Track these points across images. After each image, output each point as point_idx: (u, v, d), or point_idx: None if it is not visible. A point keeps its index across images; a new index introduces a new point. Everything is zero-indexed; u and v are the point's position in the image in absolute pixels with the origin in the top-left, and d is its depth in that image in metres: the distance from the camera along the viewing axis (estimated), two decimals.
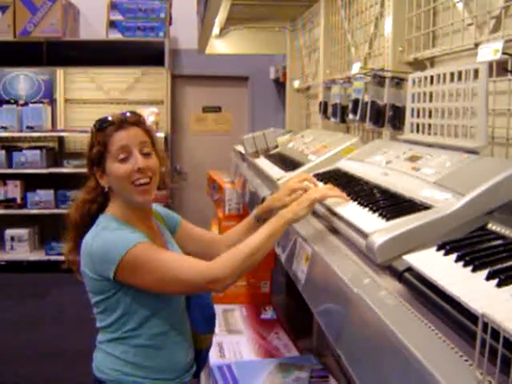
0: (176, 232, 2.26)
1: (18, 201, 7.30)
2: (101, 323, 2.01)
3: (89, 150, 1.98)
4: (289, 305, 4.57)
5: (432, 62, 2.31)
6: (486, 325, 0.82)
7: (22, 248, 7.36)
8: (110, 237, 1.88)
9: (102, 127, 1.97)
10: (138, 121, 2.02)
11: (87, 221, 2.00)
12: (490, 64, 1.67)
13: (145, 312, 1.95)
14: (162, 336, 2.00)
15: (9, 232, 7.34)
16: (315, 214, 1.93)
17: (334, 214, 1.72)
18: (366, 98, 2.53)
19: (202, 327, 2.22)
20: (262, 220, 2.11)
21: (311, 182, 2.05)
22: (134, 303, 1.93)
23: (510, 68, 1.68)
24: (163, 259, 1.85)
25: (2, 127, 7.18)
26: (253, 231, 1.97)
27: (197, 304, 2.20)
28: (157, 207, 2.24)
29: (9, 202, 7.28)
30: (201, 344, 2.23)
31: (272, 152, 3.41)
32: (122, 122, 1.97)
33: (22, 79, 7.60)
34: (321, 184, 2.04)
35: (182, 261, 1.90)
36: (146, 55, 7.12)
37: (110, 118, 1.98)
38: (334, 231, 1.75)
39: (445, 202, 1.40)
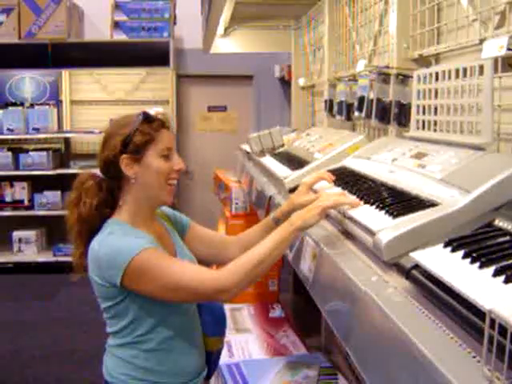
0: (185, 234, 2.23)
1: (26, 202, 7.33)
2: (111, 328, 2.00)
3: (125, 135, 1.93)
4: (297, 303, 4.57)
5: (437, 58, 2.31)
6: (493, 321, 0.82)
7: (29, 250, 7.39)
8: (116, 243, 1.86)
9: (150, 120, 1.96)
10: (172, 126, 2.06)
11: (98, 224, 1.97)
12: (495, 60, 1.67)
13: (155, 318, 1.94)
14: (172, 340, 1.98)
15: (16, 234, 7.37)
16: None
17: (341, 212, 1.72)
18: (372, 96, 2.53)
19: (212, 330, 2.19)
20: (280, 223, 2.01)
21: (328, 179, 2.02)
22: (144, 309, 1.92)
23: None
24: (168, 267, 1.83)
25: (9, 129, 7.21)
26: (269, 234, 1.90)
27: (208, 306, 2.17)
28: (165, 209, 2.22)
29: (16, 204, 7.31)
30: (212, 346, 2.20)
31: (278, 151, 3.41)
32: (166, 122, 2.01)
33: (28, 81, 7.62)
34: (335, 188, 2.01)
35: (188, 270, 1.86)
36: (150, 55, 7.13)
37: (156, 114, 1.99)
38: (341, 229, 1.75)
39: (451, 199, 1.40)
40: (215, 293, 1.81)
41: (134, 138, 1.93)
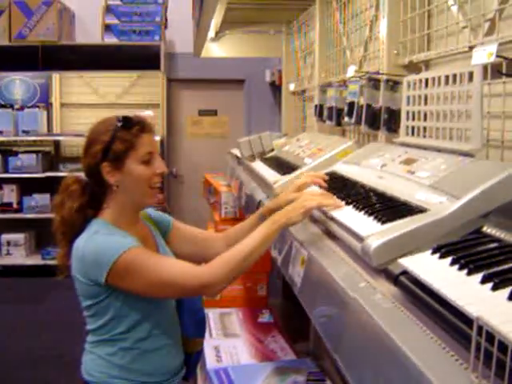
0: (169, 233, 2.25)
1: (14, 205, 7.29)
2: (90, 326, 2.02)
3: (104, 143, 1.93)
4: (286, 308, 4.56)
5: (427, 64, 2.32)
6: (480, 328, 0.82)
7: (18, 253, 7.35)
8: (101, 241, 1.88)
9: (128, 126, 1.95)
10: (153, 127, 2.05)
11: (81, 226, 1.99)
12: (485, 67, 1.68)
13: (135, 316, 1.96)
14: (150, 339, 2.00)
15: (5, 237, 7.33)
16: (311, 217, 1.93)
17: (330, 217, 1.72)
18: (362, 101, 2.53)
19: (192, 331, 2.21)
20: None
21: (322, 184, 2.02)
22: (124, 307, 1.94)
23: (504, 71, 1.69)
24: (155, 263, 1.85)
25: None
26: None
27: (187, 308, 2.19)
28: (148, 210, 2.24)
29: (5, 207, 7.27)
30: (191, 348, 2.22)
31: (268, 155, 3.41)
32: (145, 125, 1.99)
33: (18, 83, 7.59)
34: (316, 188, 2.02)
35: (173, 265, 1.89)
36: (141, 59, 7.11)
37: (135, 119, 1.98)
38: (330, 235, 1.75)
39: (440, 205, 1.40)
40: (199, 288, 1.85)
41: (113, 145, 1.93)
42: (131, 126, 1.95)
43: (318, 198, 1.81)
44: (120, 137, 1.94)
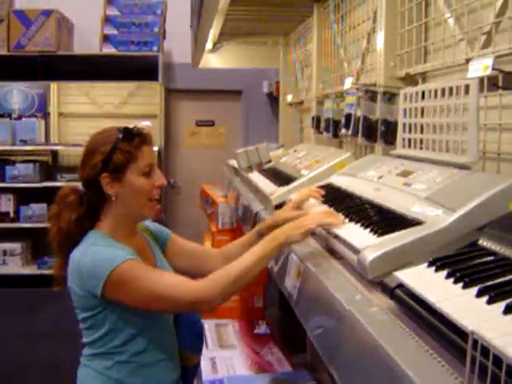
0: (166, 246, 2.23)
1: (11, 215, 7.26)
2: (86, 338, 2.00)
3: (105, 154, 1.91)
4: (282, 319, 4.55)
5: (424, 77, 2.32)
6: (475, 342, 0.82)
7: (14, 262, 7.30)
8: (98, 253, 1.86)
9: (129, 137, 1.94)
10: (152, 139, 2.04)
11: (78, 237, 1.98)
12: (481, 79, 1.68)
13: (131, 330, 1.94)
14: (147, 353, 1.98)
15: (1, 246, 7.29)
16: None
17: (327, 230, 1.72)
18: (359, 113, 2.54)
19: (189, 345, 2.19)
20: (264, 237, 2.01)
21: (317, 196, 2.03)
22: (121, 321, 1.92)
23: (500, 83, 1.69)
24: (151, 277, 1.83)
25: None
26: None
27: (185, 322, 2.17)
28: (147, 223, 2.23)
29: (1, 216, 7.24)
30: (188, 362, 2.20)
31: (265, 166, 3.41)
32: (146, 137, 1.98)
33: (16, 93, 7.58)
34: (322, 206, 2.00)
35: (169, 279, 1.87)
36: (139, 69, 7.10)
37: (136, 130, 1.96)
38: (327, 247, 1.75)
39: (436, 218, 1.40)
40: (195, 303, 1.83)
41: (114, 156, 1.92)
42: (132, 138, 1.94)
43: (319, 217, 1.77)
44: (121, 148, 1.92)
